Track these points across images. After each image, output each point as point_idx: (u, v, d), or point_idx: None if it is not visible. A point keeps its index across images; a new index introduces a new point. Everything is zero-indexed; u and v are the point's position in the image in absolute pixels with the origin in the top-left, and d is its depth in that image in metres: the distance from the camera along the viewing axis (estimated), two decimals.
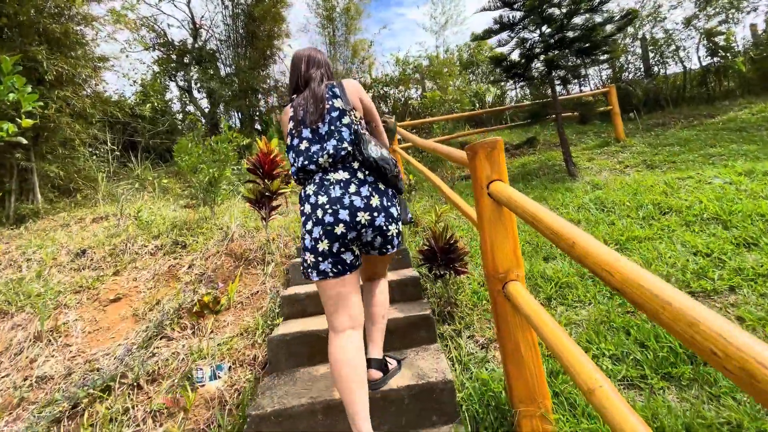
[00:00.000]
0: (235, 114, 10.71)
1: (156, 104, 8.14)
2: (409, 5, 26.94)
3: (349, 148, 1.58)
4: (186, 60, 9.88)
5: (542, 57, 5.28)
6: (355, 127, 1.61)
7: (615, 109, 6.71)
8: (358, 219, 1.51)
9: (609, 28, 5.49)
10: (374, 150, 1.59)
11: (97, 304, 2.99)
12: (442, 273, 2.35)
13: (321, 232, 1.51)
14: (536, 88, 7.63)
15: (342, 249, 1.53)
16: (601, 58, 5.61)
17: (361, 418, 1.42)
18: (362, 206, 1.53)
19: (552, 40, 5.08)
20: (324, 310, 1.62)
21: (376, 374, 1.69)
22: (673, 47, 10.77)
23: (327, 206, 1.52)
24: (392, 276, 2.62)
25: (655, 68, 10.84)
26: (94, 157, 7.00)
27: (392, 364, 1.82)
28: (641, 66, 10.86)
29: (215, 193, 4.47)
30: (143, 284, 3.21)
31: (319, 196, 1.55)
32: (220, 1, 10.05)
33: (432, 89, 10.11)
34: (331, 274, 1.54)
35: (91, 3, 6.06)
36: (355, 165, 1.60)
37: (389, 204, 1.60)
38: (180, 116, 9.32)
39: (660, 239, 3.14)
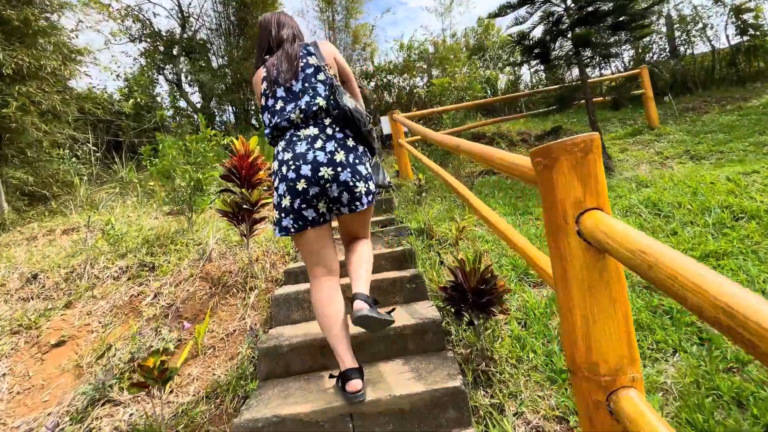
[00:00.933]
0: (229, 108, 10.06)
1: (139, 99, 7.48)
2: None
3: (322, 104, 1.58)
4: (174, 51, 9.21)
5: (569, 34, 4.56)
6: (330, 81, 1.62)
7: (648, 93, 5.97)
8: (320, 174, 1.50)
9: None
10: (350, 101, 1.60)
11: (35, 350, 2.40)
12: (473, 320, 1.72)
13: (285, 188, 1.53)
14: (553, 72, 6.88)
15: (303, 205, 1.53)
16: (635, 35, 4.88)
17: (344, 350, 1.51)
18: (325, 161, 1.51)
19: (583, 13, 4.35)
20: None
21: (362, 305, 1.47)
22: (700, 25, 9.92)
23: (290, 162, 1.53)
24: (405, 315, 1.99)
25: (681, 48, 9.99)
26: (74, 159, 6.40)
27: None
28: (666, 46, 10.02)
29: (195, 202, 3.84)
30: (98, 320, 2.61)
31: (286, 153, 1.56)
32: None
33: (438, 77, 9.37)
34: (292, 230, 1.56)
35: None
36: (327, 121, 1.59)
37: (357, 161, 1.56)
38: (170, 112, 8.69)
39: (743, 255, 2.47)
